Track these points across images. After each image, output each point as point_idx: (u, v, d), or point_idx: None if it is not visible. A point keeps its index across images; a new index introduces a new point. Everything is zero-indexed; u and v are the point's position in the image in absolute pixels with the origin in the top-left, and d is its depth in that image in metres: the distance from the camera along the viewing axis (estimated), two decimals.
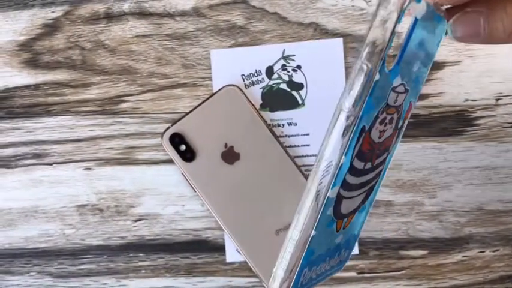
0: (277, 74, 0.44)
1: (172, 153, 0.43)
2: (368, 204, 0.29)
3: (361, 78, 0.24)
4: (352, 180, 0.26)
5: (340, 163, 0.25)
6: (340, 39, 0.44)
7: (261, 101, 0.44)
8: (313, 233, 0.25)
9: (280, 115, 0.44)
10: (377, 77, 0.24)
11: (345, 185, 0.26)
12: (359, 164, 0.26)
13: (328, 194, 0.25)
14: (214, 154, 0.43)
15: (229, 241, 0.43)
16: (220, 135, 0.43)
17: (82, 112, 0.45)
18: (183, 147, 0.43)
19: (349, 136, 0.24)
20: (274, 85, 0.44)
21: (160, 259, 0.44)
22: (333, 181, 0.25)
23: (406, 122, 0.28)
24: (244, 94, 0.43)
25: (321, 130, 0.45)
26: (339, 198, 0.26)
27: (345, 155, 0.25)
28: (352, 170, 0.26)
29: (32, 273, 0.45)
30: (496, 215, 0.43)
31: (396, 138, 0.28)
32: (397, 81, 0.27)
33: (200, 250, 0.44)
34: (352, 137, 0.24)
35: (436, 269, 0.44)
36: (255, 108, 0.44)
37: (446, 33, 0.29)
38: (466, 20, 0.27)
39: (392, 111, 0.27)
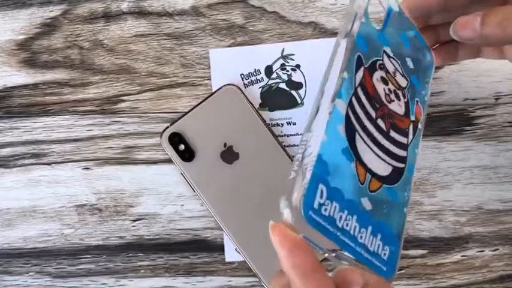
0: (276, 73, 0.44)
1: (171, 153, 0.43)
2: (401, 191, 0.29)
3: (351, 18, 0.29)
4: (362, 115, 0.28)
5: (343, 77, 0.27)
6: None
7: (260, 101, 0.44)
8: (324, 137, 0.25)
9: (279, 114, 0.44)
10: (363, 19, 0.29)
11: (355, 114, 0.27)
12: (367, 103, 0.28)
13: (334, 102, 0.26)
14: (214, 154, 0.43)
15: (228, 241, 0.43)
16: (219, 135, 0.43)
17: (80, 112, 0.45)
18: (182, 147, 0.43)
19: (347, 56, 0.27)
20: (273, 84, 0.44)
21: (160, 259, 0.44)
22: (339, 92, 0.26)
23: (421, 125, 0.31)
24: (243, 93, 0.43)
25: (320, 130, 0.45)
26: (352, 129, 0.27)
27: (347, 71, 0.27)
28: (359, 100, 0.28)
29: (30, 273, 0.45)
30: (495, 214, 0.43)
31: (414, 135, 0.31)
32: (388, 49, 0.31)
33: (199, 250, 0.44)
34: (350, 57, 0.27)
35: (436, 268, 0.43)
36: (254, 108, 0.43)
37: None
38: (465, 19, 0.30)
39: (392, 81, 0.31)
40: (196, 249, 0.44)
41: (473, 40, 0.30)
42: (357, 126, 0.27)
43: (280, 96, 0.44)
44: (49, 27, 0.45)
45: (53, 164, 0.45)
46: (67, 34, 0.45)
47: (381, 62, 0.30)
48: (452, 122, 0.44)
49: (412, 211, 0.44)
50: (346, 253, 0.25)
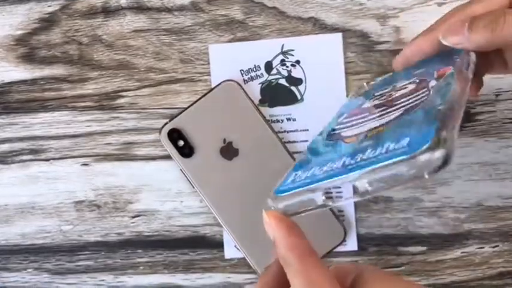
0: (276, 69, 0.44)
1: (170, 149, 0.43)
2: (421, 112, 0.27)
3: None
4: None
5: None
6: (340, 34, 0.44)
7: (259, 97, 0.44)
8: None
9: (279, 110, 0.44)
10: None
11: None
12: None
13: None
14: (213, 150, 0.43)
15: (227, 237, 0.43)
16: (218, 131, 0.43)
17: (79, 107, 0.45)
18: (181, 143, 0.43)
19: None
20: (273, 80, 0.44)
21: (159, 255, 0.44)
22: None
23: (452, 69, 0.30)
24: (243, 89, 0.43)
25: (320, 125, 0.45)
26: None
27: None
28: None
29: (29, 270, 0.44)
30: (495, 211, 0.43)
31: (443, 79, 0.30)
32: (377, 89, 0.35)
33: (198, 246, 0.44)
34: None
35: (435, 265, 0.43)
36: (254, 104, 0.43)
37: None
38: (453, 25, 0.31)
39: (399, 88, 0.33)
40: (196, 246, 0.44)
41: (463, 45, 0.31)
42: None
43: (280, 92, 0.44)
44: (47, 22, 0.45)
45: (51, 160, 0.44)
46: (65, 29, 0.45)
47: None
48: None
49: (411, 208, 0.43)
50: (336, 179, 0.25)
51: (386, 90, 0.34)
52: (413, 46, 0.34)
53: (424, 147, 0.21)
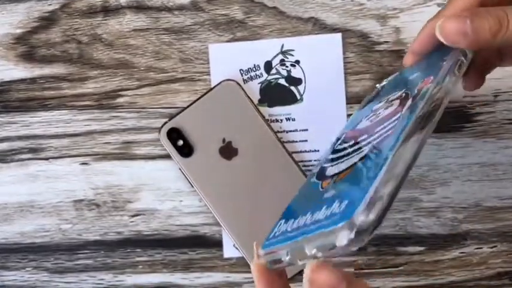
0: (276, 69, 0.44)
1: (169, 148, 0.43)
2: (370, 161, 0.27)
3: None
4: (336, 155, 0.31)
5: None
6: (339, 34, 0.44)
7: (259, 96, 0.44)
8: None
9: (279, 110, 0.44)
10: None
11: (330, 161, 0.31)
12: (341, 146, 0.31)
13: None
14: (212, 149, 0.43)
15: (226, 237, 0.43)
16: (218, 131, 0.43)
17: (79, 106, 0.45)
18: (180, 142, 0.43)
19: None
20: (272, 80, 0.44)
21: (158, 255, 0.44)
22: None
23: (430, 85, 0.29)
24: (243, 89, 0.43)
25: (319, 125, 0.45)
26: (322, 170, 0.31)
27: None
28: (334, 151, 0.32)
29: (28, 269, 0.44)
30: (493, 211, 0.44)
31: (415, 99, 0.29)
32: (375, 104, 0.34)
33: (197, 246, 0.44)
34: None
35: (434, 265, 0.44)
36: (253, 104, 0.43)
37: None
38: (453, 19, 0.29)
39: (386, 105, 0.33)
40: (195, 245, 0.44)
41: (463, 41, 0.29)
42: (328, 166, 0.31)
43: (279, 92, 0.44)
44: (47, 21, 0.45)
45: (50, 159, 0.44)
46: (65, 28, 0.45)
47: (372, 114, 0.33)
48: (452, 118, 0.44)
49: (410, 208, 0.44)
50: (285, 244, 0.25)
51: (380, 105, 0.34)
52: (418, 40, 0.33)
53: (340, 225, 0.22)
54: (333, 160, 0.31)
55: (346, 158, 0.30)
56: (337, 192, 0.26)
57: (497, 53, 0.35)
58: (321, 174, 0.31)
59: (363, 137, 0.30)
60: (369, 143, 0.28)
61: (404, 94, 0.31)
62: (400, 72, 0.37)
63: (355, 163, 0.27)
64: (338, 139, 0.34)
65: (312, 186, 0.30)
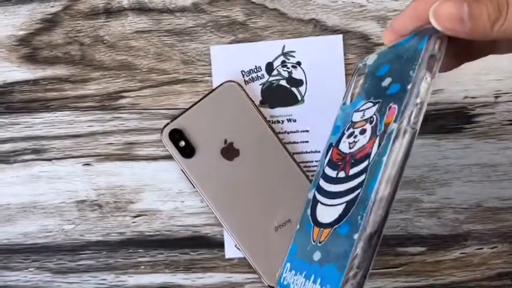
0: (277, 70, 0.44)
1: (171, 149, 0.43)
2: (347, 227, 0.26)
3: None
4: (327, 187, 0.30)
5: (318, 171, 0.31)
6: (340, 36, 0.44)
7: (260, 98, 0.44)
8: (297, 226, 0.30)
9: (280, 111, 0.44)
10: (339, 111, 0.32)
11: (320, 190, 0.30)
12: (331, 172, 0.30)
13: (307, 195, 0.31)
14: (214, 150, 0.43)
15: (228, 237, 0.44)
16: (219, 132, 0.43)
17: (81, 108, 0.45)
18: (182, 143, 0.43)
19: (322, 152, 0.32)
20: (273, 81, 0.44)
21: (160, 255, 0.44)
22: (312, 185, 0.31)
23: (394, 126, 0.26)
24: (244, 90, 0.43)
25: (320, 127, 0.46)
26: (315, 201, 0.30)
27: (320, 166, 0.31)
28: (325, 176, 0.30)
29: (30, 269, 0.45)
30: (494, 212, 0.44)
31: (380, 145, 0.27)
32: (359, 104, 0.31)
33: (199, 246, 0.44)
34: (324, 152, 0.32)
35: (434, 265, 0.44)
36: (255, 105, 0.44)
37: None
38: (449, 2, 0.26)
39: (362, 124, 0.30)
40: (196, 246, 0.44)
41: (460, 29, 0.26)
42: (321, 199, 0.30)
43: (280, 93, 0.44)
44: (50, 22, 0.45)
45: (53, 160, 0.45)
46: (68, 30, 0.45)
47: (349, 124, 0.31)
48: (452, 119, 0.44)
49: (411, 208, 0.44)
50: None
51: (359, 118, 0.30)
52: (400, 21, 0.29)
53: None
54: (325, 194, 0.30)
55: (332, 199, 0.29)
56: (320, 266, 0.27)
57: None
58: (314, 210, 0.30)
59: (343, 174, 0.29)
60: (349, 192, 0.28)
61: (374, 119, 0.29)
62: (378, 56, 0.32)
63: (335, 229, 0.27)
64: (330, 145, 0.32)
65: (306, 227, 0.30)
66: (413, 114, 0.26)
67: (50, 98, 0.45)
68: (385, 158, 0.25)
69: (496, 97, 0.44)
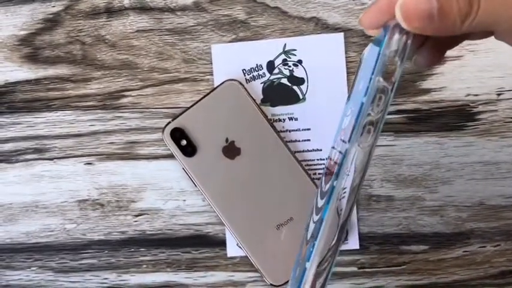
0: (278, 68, 0.44)
1: (173, 148, 0.43)
2: (309, 251, 0.26)
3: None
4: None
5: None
6: (341, 34, 0.44)
7: (262, 96, 0.44)
8: None
9: (281, 110, 0.44)
10: None
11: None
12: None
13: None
14: (215, 149, 0.43)
15: (230, 236, 0.43)
16: (221, 130, 0.43)
17: (83, 107, 0.45)
18: (184, 142, 0.43)
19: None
20: (275, 80, 0.44)
21: (161, 254, 0.44)
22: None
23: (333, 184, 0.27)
24: (245, 89, 0.43)
25: (322, 125, 0.46)
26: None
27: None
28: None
29: (33, 268, 0.45)
30: (497, 210, 0.43)
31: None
32: (348, 109, 0.29)
33: (201, 245, 0.44)
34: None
35: (437, 264, 0.44)
36: (256, 103, 0.44)
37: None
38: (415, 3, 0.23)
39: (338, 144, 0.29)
40: (198, 244, 0.44)
41: (428, 25, 0.23)
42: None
43: (282, 91, 0.44)
44: (51, 22, 0.45)
45: (55, 159, 0.45)
46: (69, 29, 0.45)
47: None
48: (454, 117, 0.44)
49: (413, 207, 0.44)
50: None
51: (343, 128, 0.29)
52: (368, 17, 0.28)
53: None
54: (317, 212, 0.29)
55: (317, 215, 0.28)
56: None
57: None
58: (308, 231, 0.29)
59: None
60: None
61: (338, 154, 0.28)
62: (371, 47, 0.30)
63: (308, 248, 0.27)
64: (328, 158, 0.30)
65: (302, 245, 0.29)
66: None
67: (52, 98, 0.45)
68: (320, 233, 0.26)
69: (499, 94, 0.43)
